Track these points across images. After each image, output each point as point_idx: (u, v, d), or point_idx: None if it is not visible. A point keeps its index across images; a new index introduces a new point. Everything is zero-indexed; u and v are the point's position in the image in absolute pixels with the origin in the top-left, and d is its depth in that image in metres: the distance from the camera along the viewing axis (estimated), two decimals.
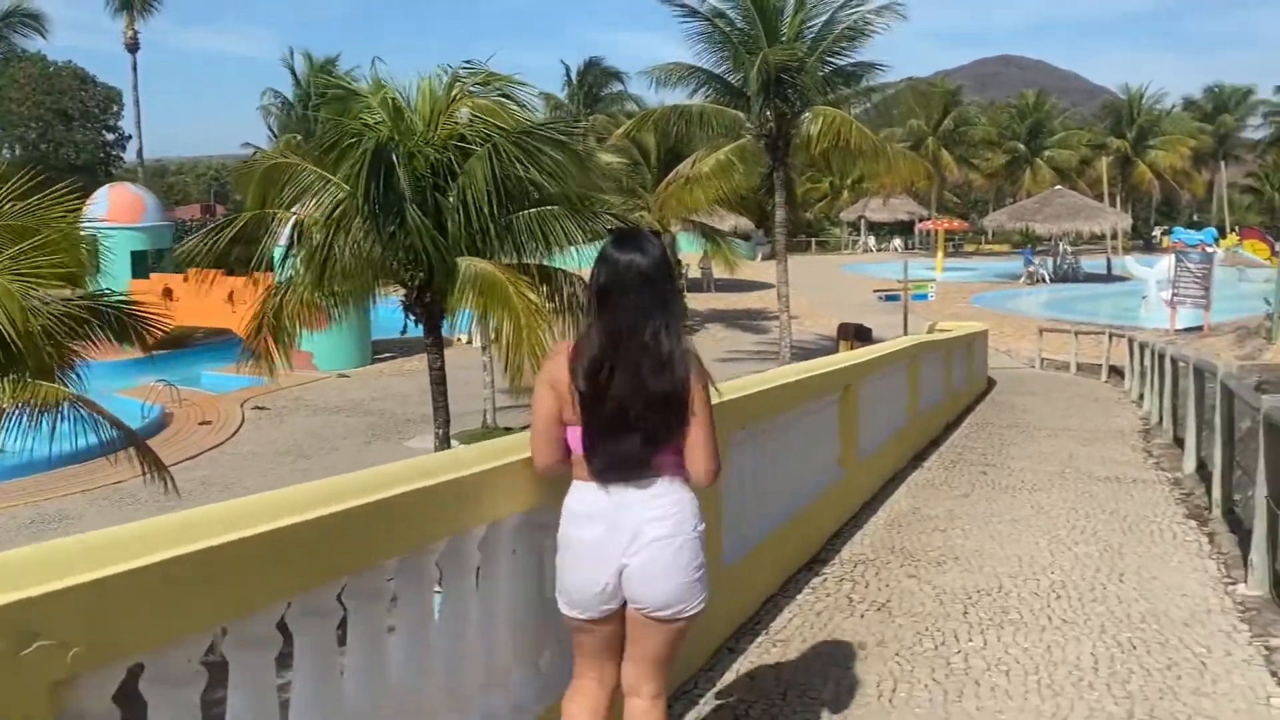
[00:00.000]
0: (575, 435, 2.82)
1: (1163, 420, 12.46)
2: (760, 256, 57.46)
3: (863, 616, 5.36)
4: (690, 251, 42.77)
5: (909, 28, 21.94)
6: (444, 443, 12.93)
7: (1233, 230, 55.37)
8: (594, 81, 46.79)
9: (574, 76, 46.53)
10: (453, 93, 12.34)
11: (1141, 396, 16.12)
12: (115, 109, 61.91)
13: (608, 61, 48.04)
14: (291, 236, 12.60)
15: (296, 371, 25.69)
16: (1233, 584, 5.91)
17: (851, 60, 21.66)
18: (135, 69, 51.36)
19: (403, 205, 11.53)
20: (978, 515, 7.65)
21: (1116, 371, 21.23)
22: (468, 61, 12.86)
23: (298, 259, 12.58)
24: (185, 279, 26.11)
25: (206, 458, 17.57)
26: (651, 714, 2.92)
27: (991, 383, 19.80)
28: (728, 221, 40.65)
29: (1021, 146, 62.65)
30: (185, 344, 28.16)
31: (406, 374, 25.29)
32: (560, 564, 2.92)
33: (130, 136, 59.34)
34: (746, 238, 56.39)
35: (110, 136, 63.95)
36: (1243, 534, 6.85)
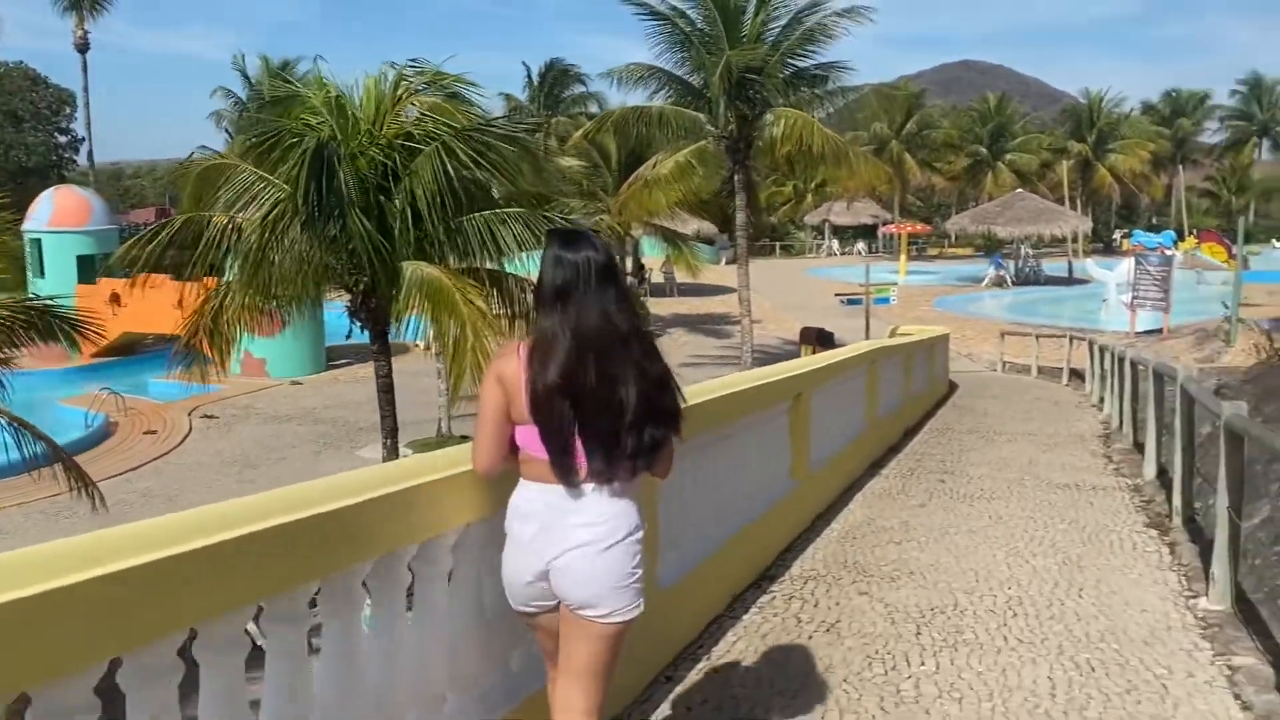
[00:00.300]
0: (523, 434, 2.77)
1: (1123, 425, 12.33)
2: (724, 260, 57.29)
3: (811, 638, 5.08)
4: (653, 256, 42.58)
5: (871, 33, 21.89)
6: (392, 453, 12.56)
7: (1191, 233, 55.92)
8: (555, 83, 46.36)
9: (535, 77, 46.05)
10: (398, 91, 11.96)
11: (1102, 400, 16.03)
12: (68, 111, 60.83)
13: (574, 64, 47.41)
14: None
15: (248, 379, 25.28)
16: (1194, 597, 5.70)
17: (814, 62, 21.51)
18: (85, 69, 50.39)
19: (344, 207, 11.13)
20: (934, 526, 7.41)
21: (1077, 375, 21.20)
22: (414, 59, 12.50)
23: (234, 263, 12.15)
24: (133, 284, 25.56)
25: (151, 468, 17.04)
26: None
27: (953, 386, 19.68)
28: (691, 225, 40.44)
29: (983, 150, 63.00)
30: (134, 351, 27.53)
31: (361, 381, 24.74)
32: (504, 557, 2.92)
33: (83, 139, 58.31)
34: (710, 242, 56.30)
35: (63, 139, 62.84)
36: (1204, 544, 6.66)
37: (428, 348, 26.41)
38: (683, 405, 2.89)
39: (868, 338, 24.36)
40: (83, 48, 48.65)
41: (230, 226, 11.97)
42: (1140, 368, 11.35)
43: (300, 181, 10.73)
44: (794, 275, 51.63)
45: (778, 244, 70.28)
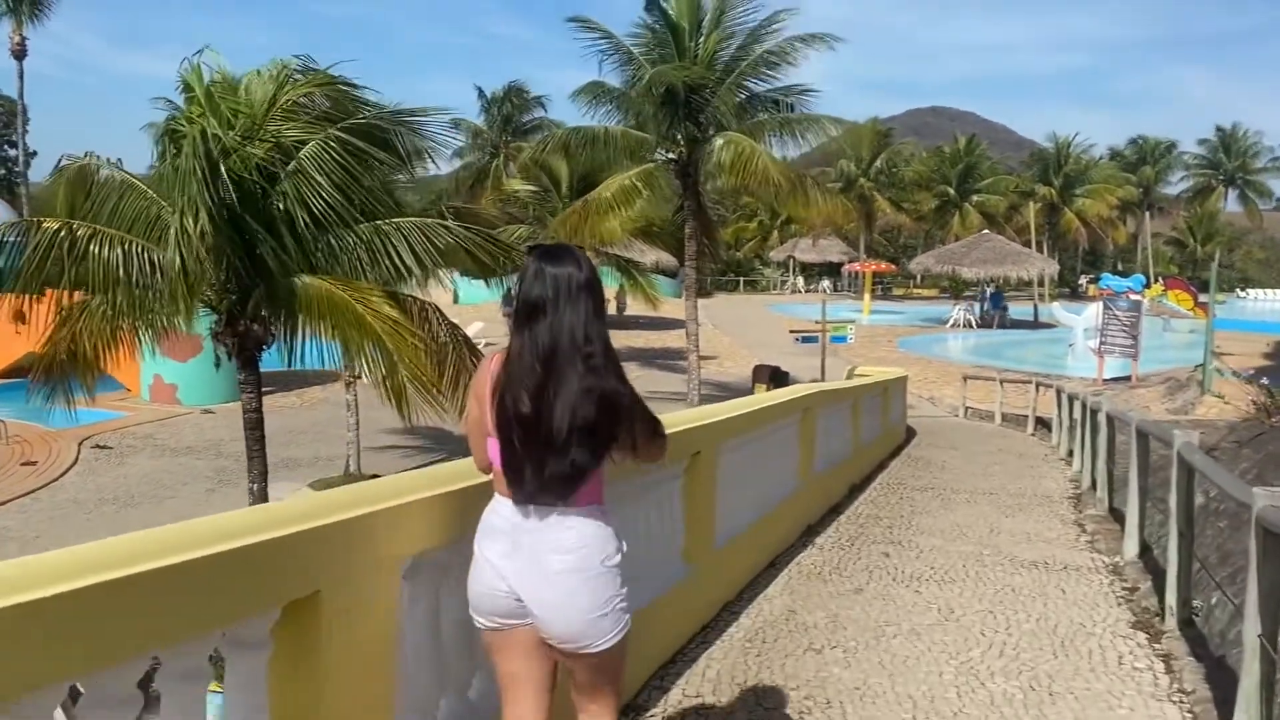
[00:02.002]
0: (492, 447, 2.74)
1: (1096, 485, 10.88)
2: (685, 294, 56.03)
3: None
4: (609, 285, 41.15)
5: (843, 76, 21.36)
6: (260, 497, 10.91)
7: (1157, 280, 55.33)
8: (513, 107, 45.02)
9: (490, 102, 44.70)
10: (282, 86, 10.40)
11: (1070, 454, 14.65)
12: (18, 125, 58.66)
13: (530, 89, 46.09)
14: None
15: (158, 405, 23.42)
16: None
17: (770, 87, 20.22)
18: (22, 77, 48.29)
19: (221, 212, 9.52)
20: (869, 623, 5.87)
21: (1043, 423, 19.87)
22: (300, 56, 10.96)
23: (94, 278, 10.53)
24: (41, 301, 23.70)
25: (16, 505, 15.21)
26: None
27: (911, 433, 18.28)
28: (649, 256, 39.10)
29: (951, 191, 62.26)
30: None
31: (279, 411, 23.00)
32: (470, 574, 2.82)
33: (35, 153, 56.16)
34: (672, 274, 55.03)
35: (12, 152, 60.61)
36: (1210, 661, 5.17)
37: (355, 378, 24.82)
38: (653, 431, 2.89)
39: (823, 378, 22.97)
40: (19, 54, 46.65)
41: (83, 235, 10.36)
42: (1117, 422, 9.93)
43: (176, 178, 9.10)
44: (756, 311, 50.32)
45: (742, 279, 69.13)
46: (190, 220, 8.81)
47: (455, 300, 48.07)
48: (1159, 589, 6.51)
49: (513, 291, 2.92)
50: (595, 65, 19.56)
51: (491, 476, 2.81)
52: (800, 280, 67.99)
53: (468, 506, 2.97)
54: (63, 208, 11.75)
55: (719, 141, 18.64)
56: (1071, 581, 7.11)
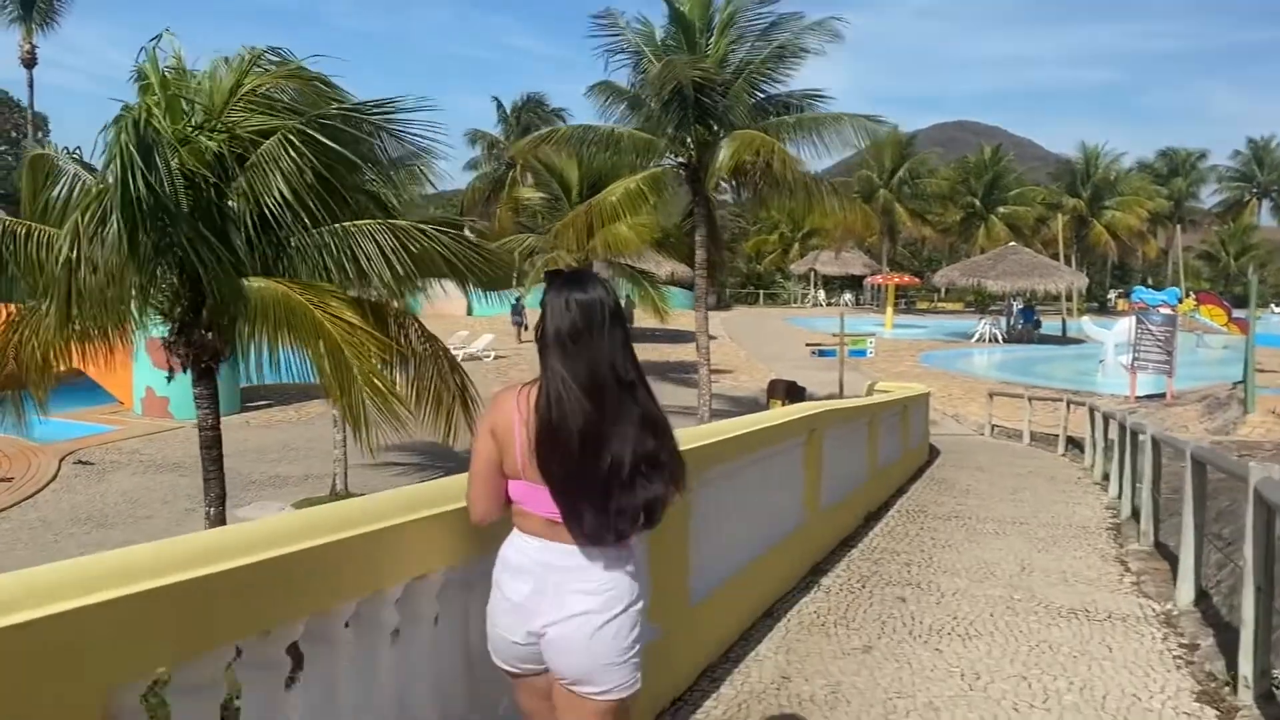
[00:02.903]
0: (518, 488, 2.61)
1: (1138, 515, 9.81)
2: (695, 305, 55.05)
3: None
4: (623, 295, 40.28)
5: (867, 91, 20.19)
6: (216, 523, 10.00)
7: (1188, 295, 53.88)
8: (531, 119, 44.32)
9: (509, 112, 44.01)
10: (245, 74, 9.52)
11: (1106, 477, 13.57)
12: (40, 135, 58.71)
13: (549, 100, 45.44)
14: None
15: (150, 419, 22.65)
16: None
17: (785, 90, 19.29)
18: (31, 85, 48.03)
19: (165, 209, 8.63)
20: (877, 695, 4.87)
21: (1075, 443, 18.75)
22: (275, 48, 10.08)
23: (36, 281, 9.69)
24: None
25: None
26: None
27: (934, 453, 17.23)
28: (664, 268, 38.23)
29: (977, 202, 61.00)
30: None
31: (275, 426, 22.21)
32: (488, 612, 2.70)
33: None
34: (689, 286, 54.11)
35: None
36: None
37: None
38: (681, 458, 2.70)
39: (841, 394, 21.93)
40: (30, 63, 46.37)
41: (21, 233, 9.52)
42: (1165, 447, 8.89)
43: (115, 171, 8.23)
44: (774, 324, 49.24)
45: (762, 292, 68.08)
46: (121, 218, 7.93)
47: (469, 312, 47.34)
48: (1225, 650, 5.48)
49: (526, 317, 2.76)
50: (618, 71, 18.75)
51: (487, 520, 2.68)
52: (821, 293, 66.83)
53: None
54: (26, 205, 10.99)
55: (731, 140, 17.62)
56: (1118, 636, 6.08)
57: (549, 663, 2.59)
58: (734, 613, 5.57)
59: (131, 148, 7.64)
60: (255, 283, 8.88)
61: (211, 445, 9.91)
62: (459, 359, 33.08)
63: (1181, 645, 5.92)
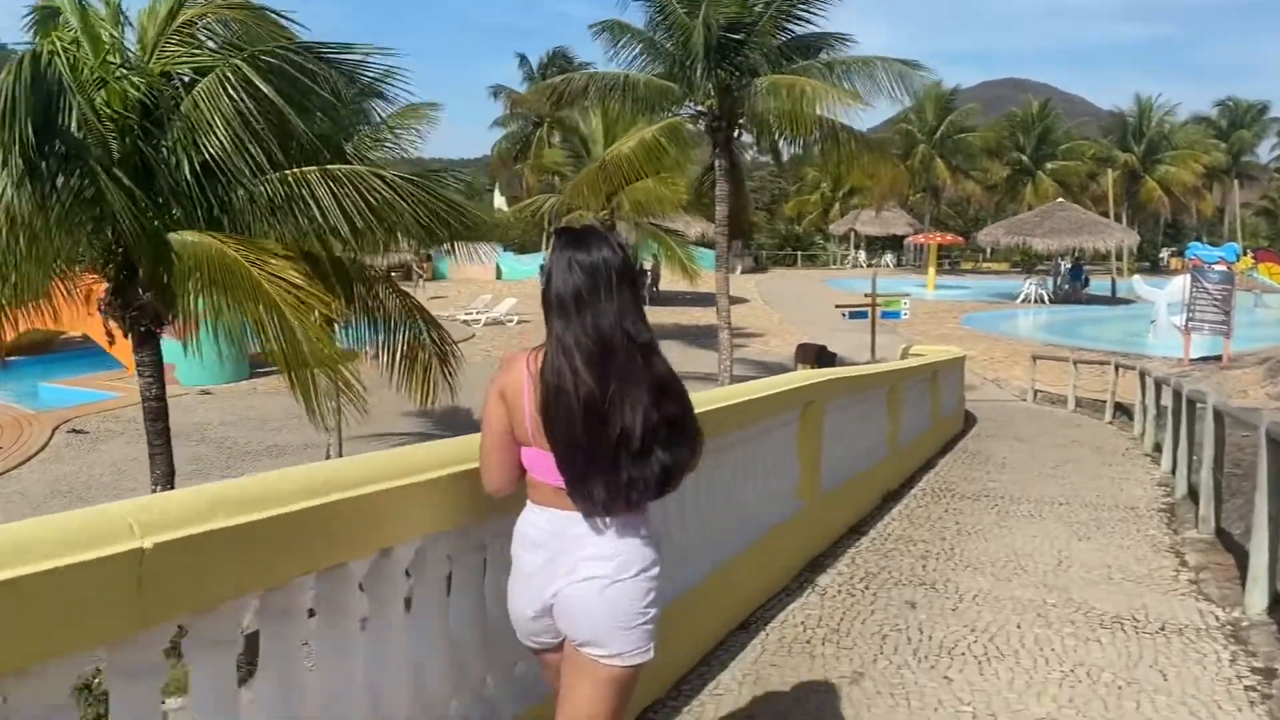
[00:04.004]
0: (530, 456, 2.53)
1: (1196, 496, 8.58)
2: (740, 269, 53.71)
3: None
4: (647, 257, 39.12)
5: (913, 48, 18.54)
6: None
7: (1246, 252, 51.55)
8: (559, 74, 43.02)
9: (536, 69, 42.75)
10: (180, 5, 8.49)
11: (1158, 448, 12.34)
12: None
13: (577, 54, 44.07)
14: None
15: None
16: None
17: (812, 30, 17.96)
18: None
19: (83, 155, 7.69)
20: None
21: (1123, 410, 17.42)
22: None
23: None
24: None
25: None
26: None
27: (970, 421, 16.04)
28: (694, 228, 37.04)
29: (1024, 158, 58.74)
30: (45, 349, 24.43)
31: (281, 391, 21.08)
32: (509, 585, 2.65)
33: None
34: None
35: None
36: None
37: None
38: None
39: (874, 357, 20.73)
40: None
41: None
42: (1232, 421, 7.68)
43: (7, 113, 7.27)
44: (811, 286, 47.77)
45: (800, 254, 66.49)
46: (16, 164, 6.98)
47: (498, 276, 46.47)
48: None
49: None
50: (633, 12, 17.55)
51: (503, 491, 2.61)
52: (862, 254, 65.09)
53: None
54: None
55: (758, 84, 16.33)
56: (1175, 656, 4.96)
57: (561, 627, 2.52)
58: (691, 633, 4.52)
59: (20, 85, 6.65)
60: (185, 237, 7.92)
61: (156, 418, 9.09)
62: (481, 324, 32.11)
63: (1254, 670, 4.79)
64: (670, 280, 34.62)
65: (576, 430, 2.39)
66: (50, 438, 16.98)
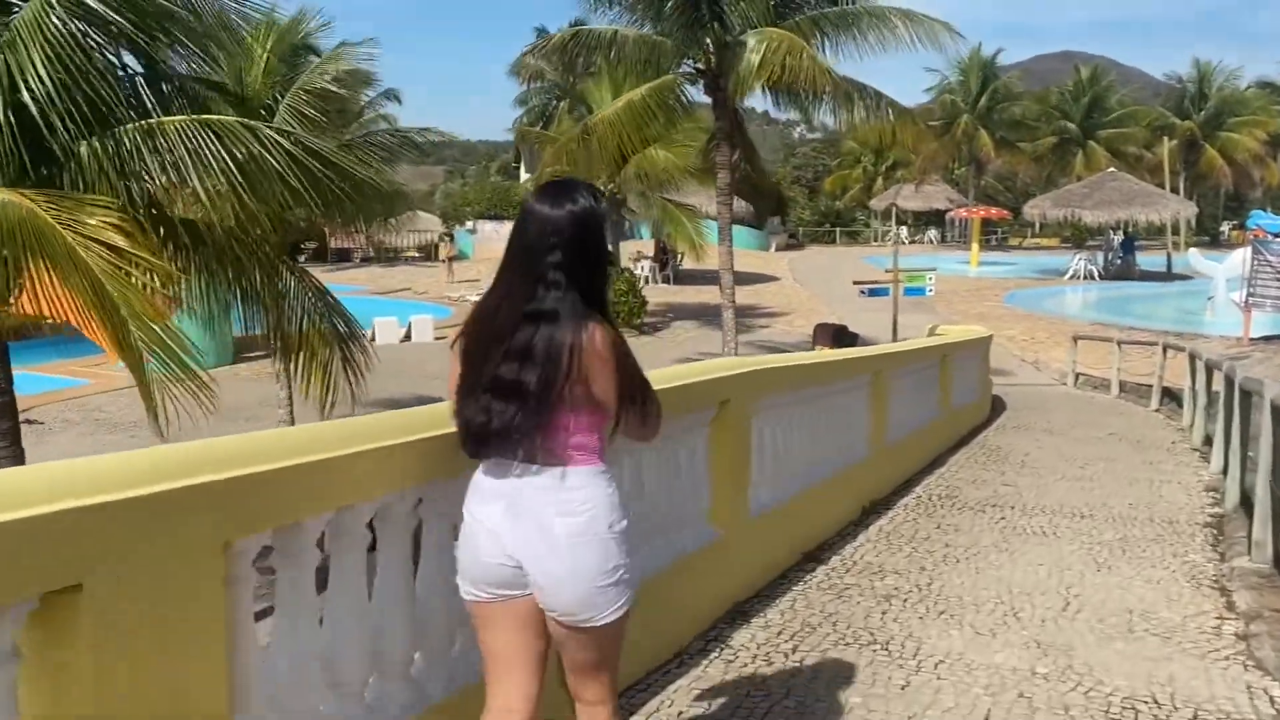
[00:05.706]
0: None
1: (1249, 508, 6.92)
2: (774, 247, 51.88)
3: None
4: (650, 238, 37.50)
5: (963, 20, 16.61)
6: None
7: None
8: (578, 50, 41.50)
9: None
10: None
11: (1208, 442, 10.64)
12: None
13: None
14: None
15: (129, 373, 20.96)
16: None
17: None
18: None
19: None
20: None
21: (1171, 395, 15.60)
22: None
23: None
24: None
25: None
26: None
27: (999, 408, 14.38)
28: (711, 204, 35.40)
29: (1072, 126, 55.94)
30: (26, 335, 23.44)
31: (262, 378, 20.22)
32: (459, 540, 2.63)
33: None
34: (758, 225, 50.96)
35: None
36: None
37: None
38: (643, 399, 2.60)
39: (895, 337, 19.07)
40: None
41: None
42: None
43: None
44: (848, 263, 45.77)
45: (839, 230, 64.36)
46: None
47: None
48: None
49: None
50: None
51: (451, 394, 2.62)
52: (904, 230, 62.77)
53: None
54: None
55: (749, 42, 14.74)
56: None
57: (542, 600, 2.49)
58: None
59: None
60: None
61: (3, 414, 7.70)
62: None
63: None
64: (697, 259, 33.11)
65: (469, 377, 2.51)
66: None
